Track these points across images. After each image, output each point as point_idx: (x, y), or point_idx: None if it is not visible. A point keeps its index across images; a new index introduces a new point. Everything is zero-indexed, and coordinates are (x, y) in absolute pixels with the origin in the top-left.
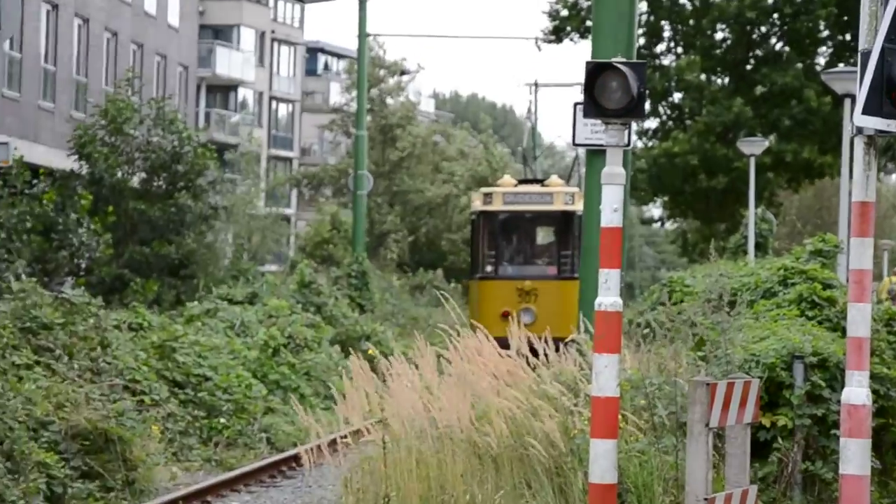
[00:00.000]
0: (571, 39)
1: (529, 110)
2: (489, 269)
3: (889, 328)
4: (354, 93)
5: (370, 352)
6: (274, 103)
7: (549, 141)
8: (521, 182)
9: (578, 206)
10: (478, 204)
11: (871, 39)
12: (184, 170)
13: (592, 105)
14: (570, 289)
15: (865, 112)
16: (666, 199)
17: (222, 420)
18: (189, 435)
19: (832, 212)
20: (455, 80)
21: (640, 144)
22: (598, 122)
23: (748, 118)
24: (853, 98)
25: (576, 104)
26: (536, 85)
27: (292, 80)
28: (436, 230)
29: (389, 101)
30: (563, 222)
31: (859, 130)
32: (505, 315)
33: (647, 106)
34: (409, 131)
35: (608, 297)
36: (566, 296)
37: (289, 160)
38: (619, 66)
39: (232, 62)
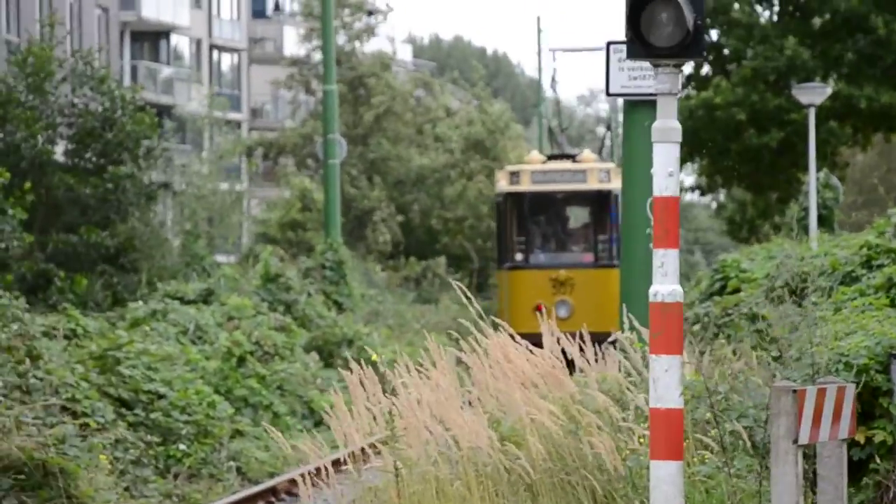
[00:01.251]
0: None
1: (554, 79)
2: (519, 257)
3: None
4: (316, 40)
5: (373, 358)
6: (215, 53)
7: (570, 107)
8: (551, 158)
9: (616, 184)
10: (503, 184)
11: None
12: (118, 138)
13: (638, 42)
14: (610, 278)
15: None
16: (704, 162)
17: (182, 446)
18: (143, 465)
19: None
20: (435, 22)
21: None
22: (639, 65)
23: (805, 60)
24: None
25: (609, 44)
26: (556, 51)
27: (237, 24)
28: (426, 208)
29: (358, 47)
30: (600, 203)
31: None
32: (538, 309)
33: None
34: (385, 82)
35: (666, 285)
36: (606, 286)
37: (236, 123)
38: None
39: (161, 3)
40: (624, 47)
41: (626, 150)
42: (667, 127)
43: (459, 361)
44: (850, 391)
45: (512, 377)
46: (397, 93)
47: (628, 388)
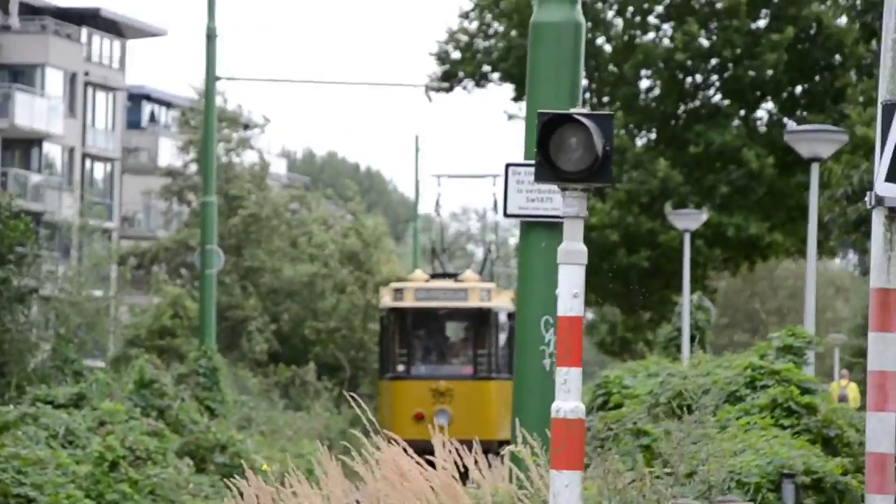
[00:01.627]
0: (464, 87)
1: (438, 203)
2: (401, 368)
3: None
4: (192, 153)
5: (264, 467)
6: (88, 162)
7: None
8: (434, 277)
9: (495, 303)
10: (387, 300)
11: (894, 90)
12: None
13: (547, 165)
14: (488, 389)
15: (889, 179)
16: None
17: None
18: None
19: (764, 300)
20: (308, 137)
21: None
22: (536, 187)
23: (678, 184)
24: (821, 162)
25: (508, 166)
26: (441, 177)
27: (111, 133)
28: (298, 317)
29: (236, 160)
30: (480, 319)
31: (879, 201)
32: (419, 417)
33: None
34: (259, 196)
35: (569, 402)
36: (483, 397)
37: (108, 232)
38: (580, 118)
39: (35, 111)
40: (523, 169)
41: (522, 270)
42: (573, 249)
43: (350, 472)
44: None
45: (406, 491)
46: (270, 203)
47: (520, 500)
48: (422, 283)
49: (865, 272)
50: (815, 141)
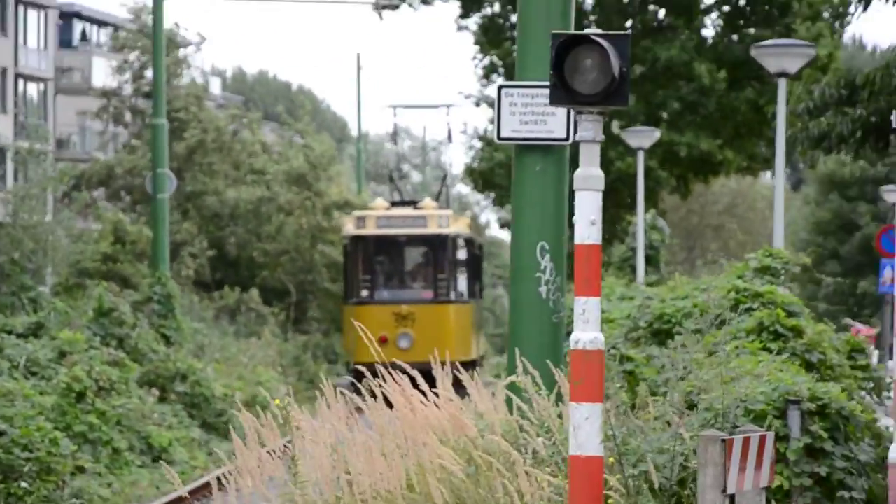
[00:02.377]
0: (410, 4)
1: (395, 132)
2: (364, 293)
3: (852, 361)
4: (127, 73)
5: (276, 402)
6: (21, 82)
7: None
8: (394, 204)
9: (453, 229)
10: (350, 228)
11: None
12: None
13: (561, 88)
14: (447, 312)
15: None
16: None
17: (23, 484)
18: None
19: (709, 219)
20: (238, 55)
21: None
22: (530, 109)
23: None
24: (790, 77)
25: (500, 87)
26: (397, 108)
27: (43, 53)
28: (243, 241)
29: (174, 81)
30: (439, 245)
31: None
32: (382, 340)
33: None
34: (199, 117)
35: (588, 333)
36: (444, 319)
37: (41, 154)
38: (596, 38)
39: None
40: (516, 91)
41: (516, 195)
42: (590, 174)
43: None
44: (771, 439)
45: (415, 422)
46: (211, 126)
47: (524, 431)
48: (382, 211)
49: (795, 187)
50: (783, 56)
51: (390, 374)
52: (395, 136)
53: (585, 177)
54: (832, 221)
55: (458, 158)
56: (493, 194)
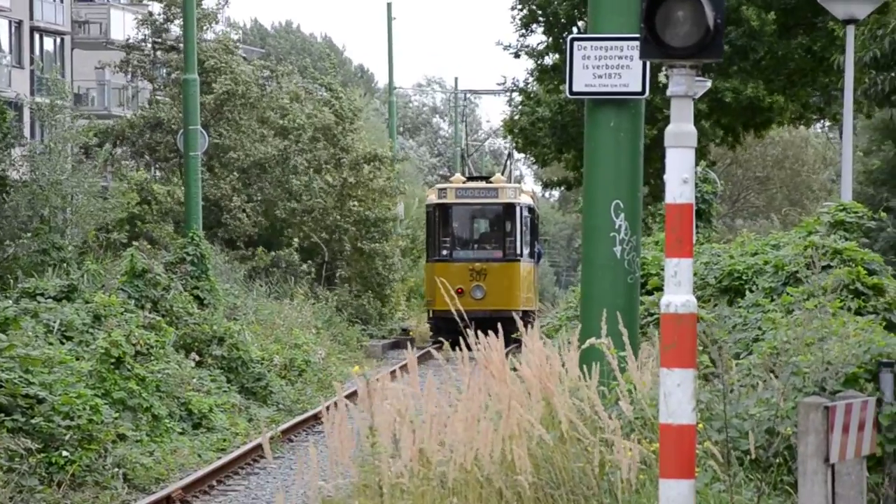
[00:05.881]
0: None
1: (464, 113)
2: (444, 252)
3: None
4: (151, 28)
5: (356, 370)
6: (37, 36)
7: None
8: (470, 179)
9: (520, 199)
10: (433, 198)
11: None
12: None
13: (653, 41)
14: (515, 269)
15: None
16: (571, 155)
17: (65, 453)
18: (28, 474)
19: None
20: (253, 6)
21: (537, 87)
22: (604, 62)
23: None
24: (858, 24)
25: (573, 40)
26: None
27: (59, 6)
28: (272, 197)
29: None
30: (508, 213)
31: None
32: (459, 292)
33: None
34: (231, 69)
35: (680, 296)
36: (511, 275)
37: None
38: None
39: None
40: (589, 44)
41: (589, 152)
42: (681, 131)
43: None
44: (872, 405)
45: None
46: (241, 78)
47: (606, 396)
48: (460, 184)
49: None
50: (851, 1)
51: (465, 322)
52: (464, 116)
53: (677, 133)
54: (884, 170)
55: (493, 110)
56: (532, 152)
